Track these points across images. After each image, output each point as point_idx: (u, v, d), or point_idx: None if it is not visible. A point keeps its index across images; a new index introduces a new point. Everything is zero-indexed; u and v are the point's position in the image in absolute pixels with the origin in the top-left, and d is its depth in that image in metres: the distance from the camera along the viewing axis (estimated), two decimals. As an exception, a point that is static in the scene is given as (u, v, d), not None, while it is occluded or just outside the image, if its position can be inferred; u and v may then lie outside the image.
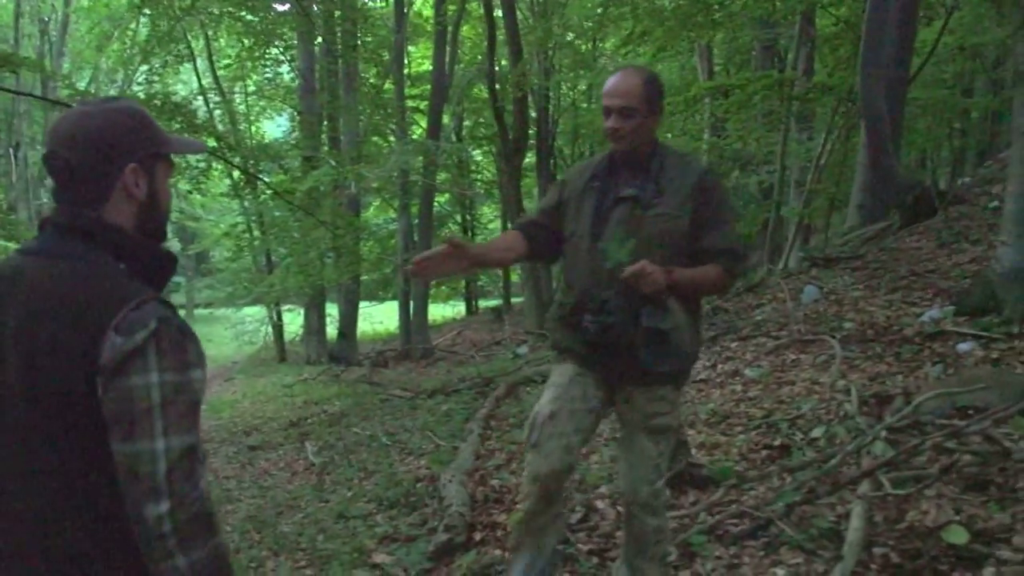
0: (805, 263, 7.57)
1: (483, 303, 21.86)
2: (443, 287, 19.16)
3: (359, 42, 13.44)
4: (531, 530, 2.11)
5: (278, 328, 15.81)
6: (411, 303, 12.66)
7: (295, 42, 13.41)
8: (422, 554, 3.06)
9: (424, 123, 14.47)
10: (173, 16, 12.02)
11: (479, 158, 21.09)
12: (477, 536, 3.16)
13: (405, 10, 13.08)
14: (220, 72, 15.85)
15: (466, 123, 19.60)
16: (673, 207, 1.99)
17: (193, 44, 14.96)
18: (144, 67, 14.61)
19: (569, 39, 15.72)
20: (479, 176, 21.24)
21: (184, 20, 12.54)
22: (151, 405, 1.01)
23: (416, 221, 13.51)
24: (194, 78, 16.30)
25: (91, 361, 1.01)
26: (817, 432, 3.63)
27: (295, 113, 14.87)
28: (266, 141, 17.24)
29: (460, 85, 15.83)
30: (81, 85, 15.64)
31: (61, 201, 1.12)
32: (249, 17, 12.87)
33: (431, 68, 13.38)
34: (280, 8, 13.16)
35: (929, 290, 5.40)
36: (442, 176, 17.29)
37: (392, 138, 15.81)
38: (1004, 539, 2.40)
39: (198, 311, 25.73)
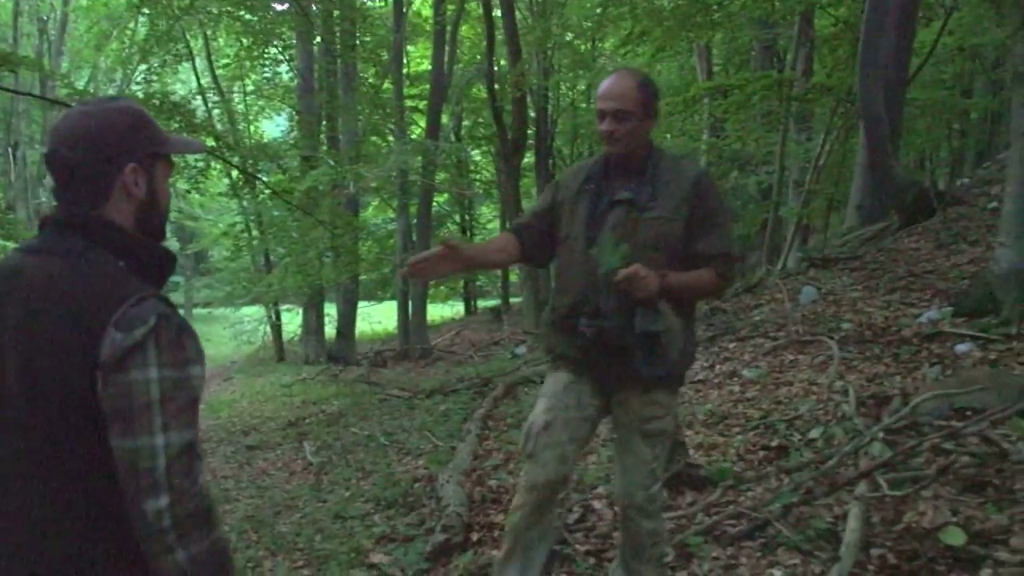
0: (803, 264, 7.57)
1: (482, 303, 21.87)
2: (442, 287, 19.16)
3: (358, 42, 13.43)
4: (522, 542, 2.09)
5: (276, 328, 15.80)
6: (410, 303, 12.65)
7: (294, 42, 13.40)
8: (419, 554, 3.06)
9: (423, 123, 14.48)
10: (172, 15, 12.01)
11: (478, 158, 21.09)
12: (474, 536, 3.16)
13: (404, 10, 13.08)
14: (219, 71, 15.84)
15: (465, 123, 19.60)
16: (669, 210, 1.98)
17: (192, 43, 14.95)
18: (143, 66, 14.60)
19: (568, 39, 15.72)
20: (478, 176, 21.25)
21: (183, 19, 12.52)
22: (150, 401, 1.01)
23: (415, 221, 13.51)
24: (193, 77, 16.28)
25: (91, 357, 1.01)
26: (815, 433, 3.63)
27: (294, 113, 14.86)
28: (265, 141, 17.21)
29: (459, 85, 15.83)
30: (80, 84, 15.58)
31: (61, 200, 1.13)
32: (248, 16, 12.86)
33: (430, 68, 13.38)
34: (279, 7, 13.15)
35: (927, 291, 5.40)
36: (441, 176, 17.28)
37: (391, 138, 15.80)
38: (1001, 540, 2.40)
39: (196, 310, 25.69)
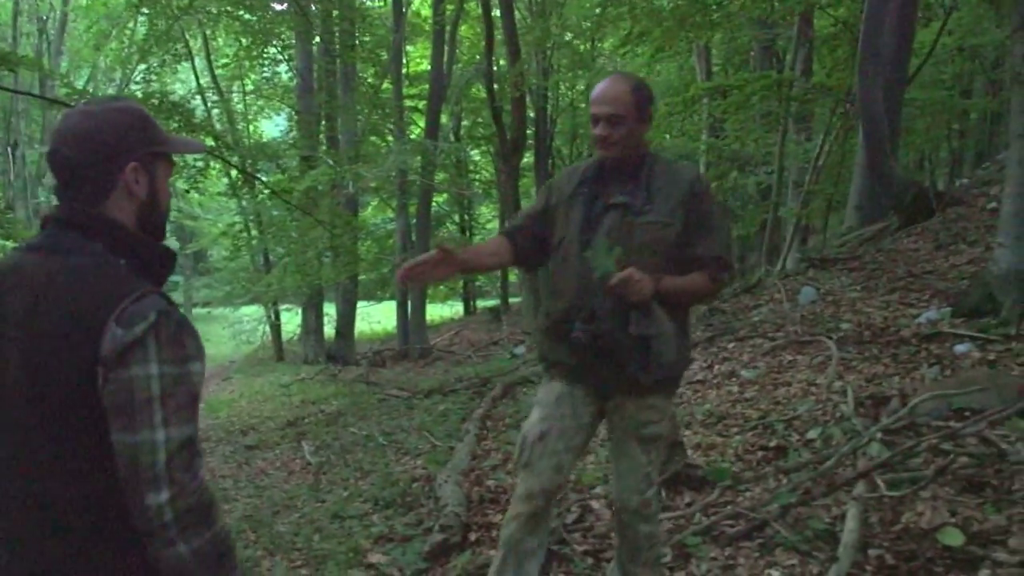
0: (803, 264, 7.57)
1: (481, 303, 21.86)
2: (441, 287, 19.15)
3: (357, 42, 13.43)
4: (516, 553, 2.07)
5: (276, 327, 15.79)
6: (409, 303, 12.65)
7: (293, 41, 13.39)
8: (417, 554, 3.05)
9: (422, 123, 14.47)
10: (171, 15, 12.01)
11: (477, 158, 21.09)
12: (472, 536, 3.16)
13: (403, 10, 13.07)
14: (218, 71, 15.84)
15: (464, 123, 19.59)
16: (664, 215, 1.97)
17: (191, 43, 14.95)
18: (142, 66, 14.62)
19: (567, 39, 15.72)
20: (477, 176, 21.24)
21: (182, 19, 12.52)
22: (151, 396, 1.02)
23: (414, 221, 13.50)
24: (192, 77, 16.28)
25: (92, 353, 1.02)
26: (813, 433, 3.63)
27: (293, 112, 14.85)
28: (264, 140, 17.21)
29: (458, 85, 15.82)
30: (79, 84, 15.59)
31: (63, 198, 1.14)
32: (247, 16, 12.85)
33: (429, 68, 13.37)
34: (278, 7, 13.15)
35: (926, 291, 5.40)
36: (440, 176, 17.27)
37: (390, 138, 15.80)
38: (1000, 541, 2.40)
39: (196, 310, 25.68)
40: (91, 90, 16.91)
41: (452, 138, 18.28)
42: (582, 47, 16.59)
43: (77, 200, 1.12)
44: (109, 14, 17.27)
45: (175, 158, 1.28)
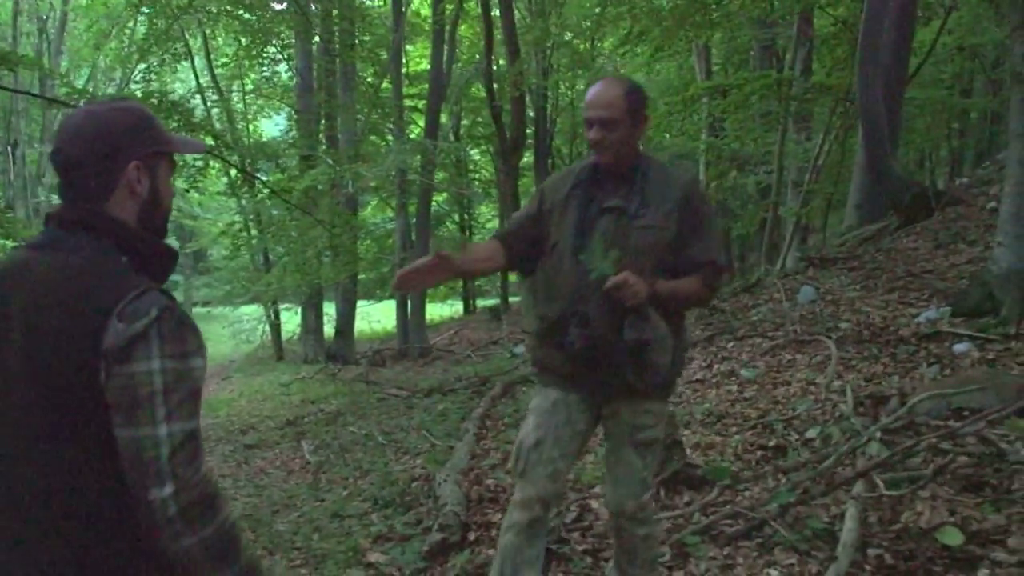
0: (802, 263, 7.57)
1: (481, 302, 21.84)
2: (441, 287, 19.15)
3: (357, 41, 13.42)
4: (514, 564, 2.05)
5: (275, 327, 15.79)
6: (408, 302, 12.65)
7: (292, 41, 13.39)
8: (416, 553, 3.05)
9: (422, 122, 14.46)
10: (171, 14, 12.01)
11: (477, 157, 21.09)
12: (472, 536, 3.15)
13: (403, 9, 13.06)
14: (218, 71, 15.83)
15: (464, 122, 19.59)
16: (659, 219, 1.96)
17: (191, 42, 14.93)
18: (142, 65, 14.61)
19: (567, 38, 15.71)
20: (477, 175, 21.24)
21: (181, 18, 12.51)
22: (153, 392, 1.03)
23: (414, 220, 13.49)
24: (192, 76, 16.27)
25: (94, 348, 1.03)
26: (812, 433, 3.63)
27: (292, 112, 14.85)
28: (263, 140, 17.20)
29: (458, 84, 15.82)
30: (79, 83, 15.56)
31: (65, 197, 1.15)
32: (246, 16, 12.85)
33: (429, 67, 13.36)
34: (277, 7, 13.14)
35: (926, 291, 5.41)
36: (440, 175, 17.27)
37: (390, 137, 15.80)
38: (999, 541, 2.40)
39: (196, 309, 25.66)
40: (91, 89, 16.87)
41: (452, 137, 18.28)
42: (582, 46, 16.58)
43: (80, 199, 1.14)
44: (109, 13, 17.25)
45: (176, 158, 1.29)
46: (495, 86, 12.48)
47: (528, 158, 16.96)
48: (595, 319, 1.92)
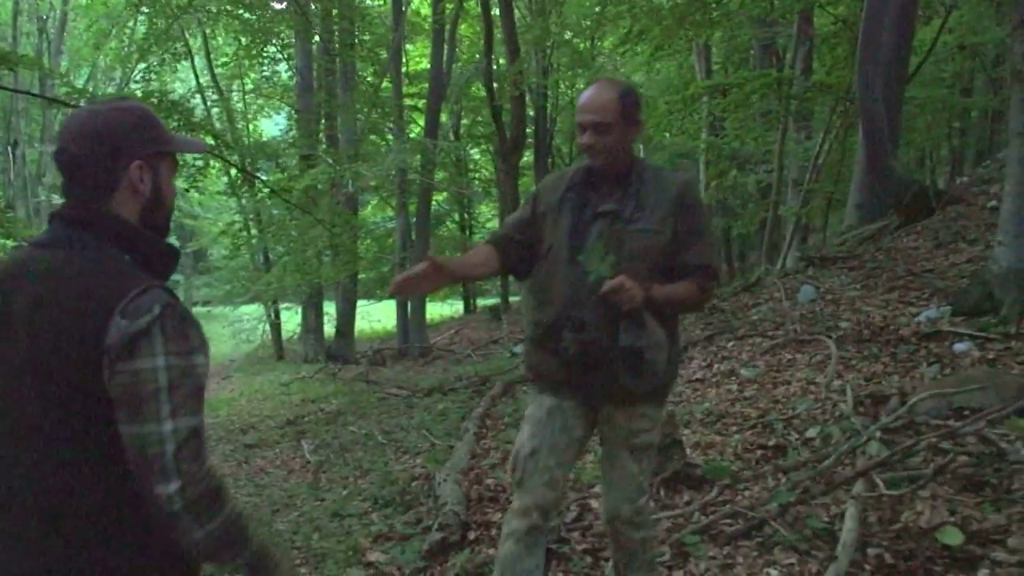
0: (802, 262, 7.57)
1: (481, 302, 21.84)
2: (441, 286, 19.10)
3: (357, 40, 13.42)
4: (513, 574, 2.02)
5: (276, 326, 15.79)
6: (409, 302, 12.64)
7: (292, 40, 13.39)
8: (416, 553, 3.05)
9: (422, 121, 14.46)
10: (170, 14, 12.00)
11: (477, 157, 21.09)
12: (471, 535, 3.15)
13: (403, 8, 13.06)
14: (217, 70, 15.83)
15: (464, 121, 19.58)
16: (654, 223, 1.94)
17: (191, 42, 14.93)
18: (142, 65, 14.61)
19: (567, 37, 15.71)
20: (477, 175, 21.24)
21: (181, 18, 12.51)
22: (158, 388, 1.04)
23: (414, 220, 13.50)
24: (192, 76, 16.27)
25: (96, 344, 1.04)
26: (812, 432, 3.63)
27: (292, 111, 14.85)
28: (263, 139, 17.21)
29: (458, 84, 15.81)
30: (79, 83, 15.56)
31: (69, 195, 1.17)
32: (246, 15, 12.84)
33: (429, 66, 13.36)
34: (277, 6, 13.14)
35: (926, 290, 5.40)
36: (440, 175, 17.27)
37: (390, 136, 15.80)
38: (999, 541, 2.40)
39: (196, 309, 25.68)
40: (91, 89, 16.87)
41: (452, 137, 18.28)
42: (582, 46, 16.58)
43: (83, 197, 1.15)
44: (109, 13, 17.25)
45: (177, 157, 1.30)
46: (495, 85, 12.48)
47: (528, 157, 16.96)
48: (590, 324, 1.90)
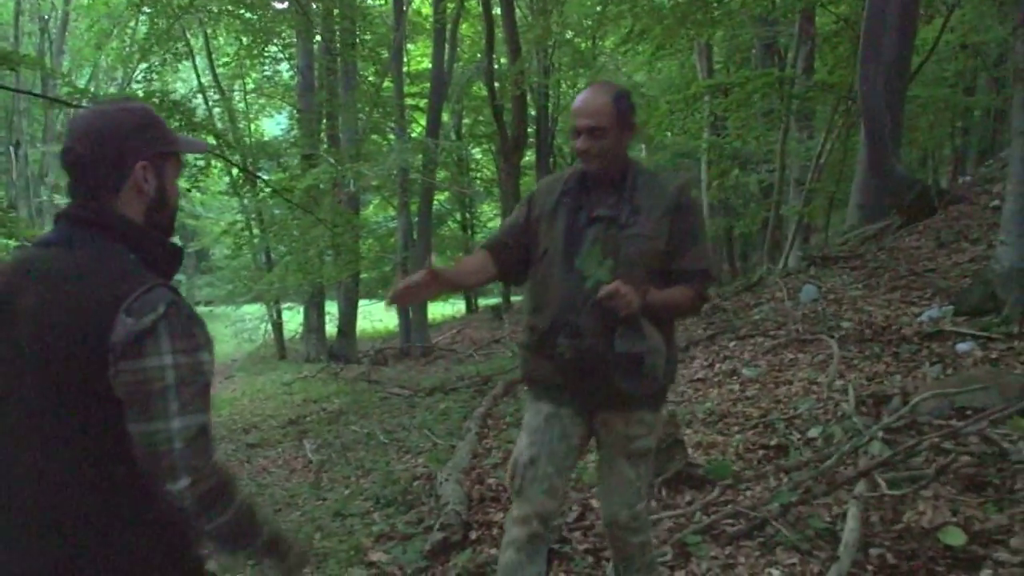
0: (804, 262, 7.56)
1: (483, 301, 21.84)
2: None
3: (358, 40, 13.41)
4: None
5: (278, 326, 15.80)
6: (410, 301, 12.62)
7: (294, 40, 13.39)
8: (418, 552, 3.05)
9: (423, 121, 14.47)
10: (172, 14, 12.01)
11: (478, 156, 21.10)
12: (473, 535, 3.15)
13: (404, 8, 13.06)
14: (219, 70, 15.83)
15: (465, 121, 19.59)
16: (650, 227, 1.93)
17: (192, 42, 14.93)
18: (143, 65, 14.59)
19: (568, 37, 15.70)
20: (478, 174, 21.24)
21: (183, 18, 12.52)
22: (166, 386, 1.05)
23: (416, 219, 13.50)
24: (193, 76, 16.28)
25: (102, 342, 1.05)
26: (814, 432, 3.63)
27: (294, 111, 14.84)
28: (265, 139, 17.22)
29: (459, 83, 15.82)
30: (81, 83, 15.57)
31: (75, 195, 1.18)
32: (248, 15, 12.85)
33: (430, 66, 13.36)
34: (279, 6, 13.15)
35: (928, 290, 5.39)
36: (441, 174, 17.28)
37: (391, 136, 15.80)
38: (1001, 541, 2.40)
39: (198, 308, 25.62)
40: (92, 89, 16.90)
41: (453, 136, 18.29)
42: (583, 45, 16.58)
43: (89, 197, 1.16)
44: (110, 13, 17.28)
45: (181, 157, 1.31)
46: (496, 85, 12.48)
47: (530, 157, 16.97)
48: (585, 329, 1.89)
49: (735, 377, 4.88)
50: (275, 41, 13.84)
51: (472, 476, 3.96)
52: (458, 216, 21.63)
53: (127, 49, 16.45)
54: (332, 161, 10.92)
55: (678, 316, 2.10)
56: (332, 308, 14.30)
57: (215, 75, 15.75)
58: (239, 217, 15.51)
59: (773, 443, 3.64)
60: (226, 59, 15.65)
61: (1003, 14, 9.52)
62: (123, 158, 1.16)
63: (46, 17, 20.36)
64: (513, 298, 17.99)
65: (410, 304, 2.06)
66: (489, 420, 5.40)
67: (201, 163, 9.90)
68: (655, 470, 3.20)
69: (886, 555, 2.43)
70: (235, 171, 12.40)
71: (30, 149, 20.42)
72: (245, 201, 14.54)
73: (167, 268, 1.21)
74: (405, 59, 15.52)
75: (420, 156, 11.80)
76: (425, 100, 14.91)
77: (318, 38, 13.04)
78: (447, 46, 12.74)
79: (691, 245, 1.96)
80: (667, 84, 15.49)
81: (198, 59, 15.72)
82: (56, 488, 1.08)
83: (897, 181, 7.51)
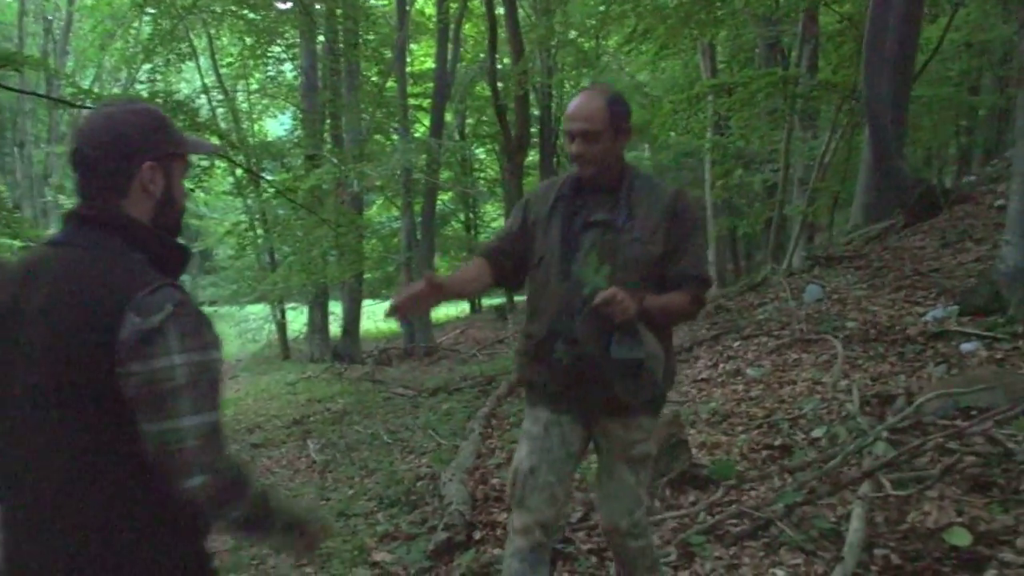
0: (808, 262, 7.55)
1: (486, 301, 21.83)
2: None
3: (361, 40, 13.43)
4: None
5: (281, 326, 15.81)
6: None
7: (297, 40, 13.41)
8: (422, 552, 3.06)
9: (426, 121, 14.50)
10: (175, 15, 12.04)
11: (482, 156, 21.10)
12: (477, 535, 3.16)
13: (407, 8, 13.07)
14: (222, 70, 15.85)
15: (469, 121, 19.59)
16: (646, 233, 1.92)
17: (195, 42, 14.95)
18: (147, 65, 14.61)
19: (571, 37, 15.69)
20: (482, 174, 21.25)
21: (186, 19, 12.54)
22: (177, 386, 1.06)
23: (419, 219, 13.52)
24: (197, 76, 16.30)
25: (110, 342, 1.05)
26: (818, 432, 3.62)
27: (297, 111, 14.87)
28: (269, 139, 17.24)
29: (462, 83, 15.83)
30: (85, 83, 15.59)
31: (83, 195, 1.19)
32: (251, 15, 12.87)
33: (433, 66, 13.39)
34: (282, 6, 13.16)
35: (933, 289, 5.38)
36: (445, 174, 17.28)
37: (395, 136, 15.80)
38: (1007, 541, 2.39)
39: (202, 308, 25.77)
40: (96, 90, 16.93)
41: (456, 136, 18.28)
42: (586, 45, 16.57)
43: (97, 197, 1.17)
44: (114, 14, 17.32)
45: (188, 158, 1.32)
46: (500, 85, 12.49)
47: (533, 157, 16.97)
48: (582, 336, 1.89)
49: (739, 377, 4.87)
50: (278, 41, 13.85)
51: (476, 476, 3.96)
52: (462, 216, 21.65)
53: (131, 50, 16.47)
54: (335, 161, 10.94)
55: (674, 321, 2.08)
56: (336, 308, 14.32)
57: (219, 75, 15.77)
58: (243, 217, 15.53)
59: (777, 443, 3.63)
60: (229, 59, 15.66)
61: (1008, 13, 9.49)
62: (131, 159, 1.17)
63: (50, 18, 20.43)
64: (517, 298, 17.99)
65: (410, 315, 2.04)
66: (493, 420, 5.40)
67: (205, 163, 9.95)
68: (659, 471, 3.21)
69: (891, 556, 2.42)
70: (239, 171, 12.45)
71: (34, 150, 20.49)
72: (249, 201, 14.57)
73: (175, 268, 1.22)
74: (408, 59, 15.53)
75: (423, 156, 11.82)
76: (428, 100, 14.93)
77: (321, 38, 13.06)
78: (450, 46, 12.76)
79: (688, 250, 1.95)
80: (670, 84, 15.48)
81: (202, 59, 15.75)
82: (63, 487, 1.08)
83: (901, 181, 7.49)
